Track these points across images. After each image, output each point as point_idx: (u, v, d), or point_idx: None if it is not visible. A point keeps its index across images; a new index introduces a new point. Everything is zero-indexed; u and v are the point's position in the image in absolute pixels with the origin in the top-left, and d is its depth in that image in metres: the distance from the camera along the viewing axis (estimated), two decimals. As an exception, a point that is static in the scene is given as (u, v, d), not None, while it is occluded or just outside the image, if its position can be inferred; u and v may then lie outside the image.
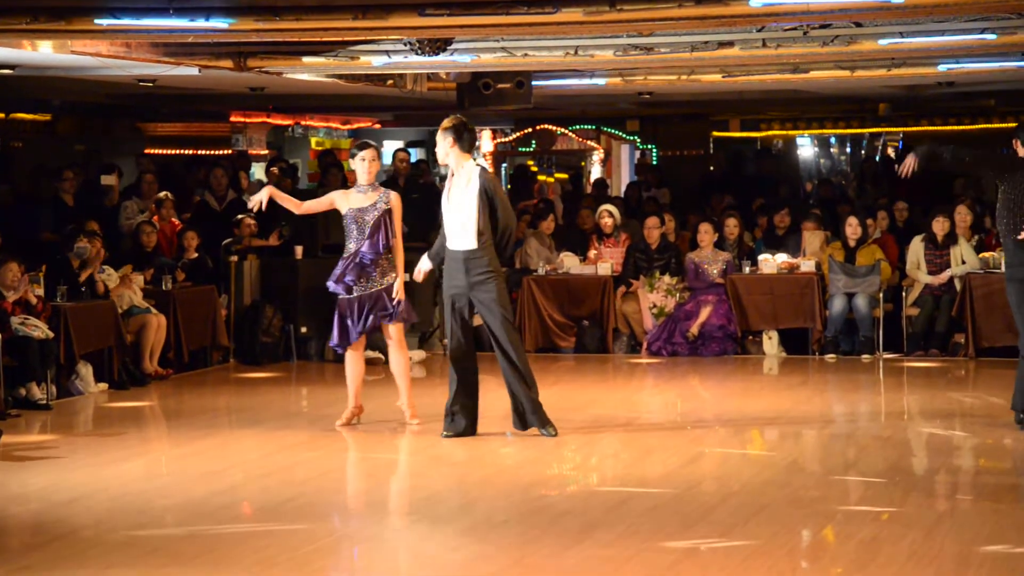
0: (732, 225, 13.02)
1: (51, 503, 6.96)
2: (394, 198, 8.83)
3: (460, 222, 8.25)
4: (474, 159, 8.40)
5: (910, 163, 8.34)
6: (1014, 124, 17.15)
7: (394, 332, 8.86)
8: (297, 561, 5.78)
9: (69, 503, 6.96)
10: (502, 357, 8.29)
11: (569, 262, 13.12)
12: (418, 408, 8.92)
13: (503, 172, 18.08)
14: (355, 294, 8.73)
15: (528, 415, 8.34)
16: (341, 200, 8.80)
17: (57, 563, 5.81)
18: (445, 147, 8.29)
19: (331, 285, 8.82)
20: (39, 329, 9.88)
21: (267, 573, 5.71)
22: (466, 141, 8.28)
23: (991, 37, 9.73)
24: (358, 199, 8.75)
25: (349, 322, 8.74)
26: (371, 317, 8.74)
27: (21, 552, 6.16)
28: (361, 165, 8.75)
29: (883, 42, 10.10)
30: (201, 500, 7.06)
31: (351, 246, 8.74)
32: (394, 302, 8.76)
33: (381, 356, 12.27)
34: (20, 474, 7.67)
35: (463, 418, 8.40)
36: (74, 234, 10.88)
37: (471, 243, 8.22)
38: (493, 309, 8.24)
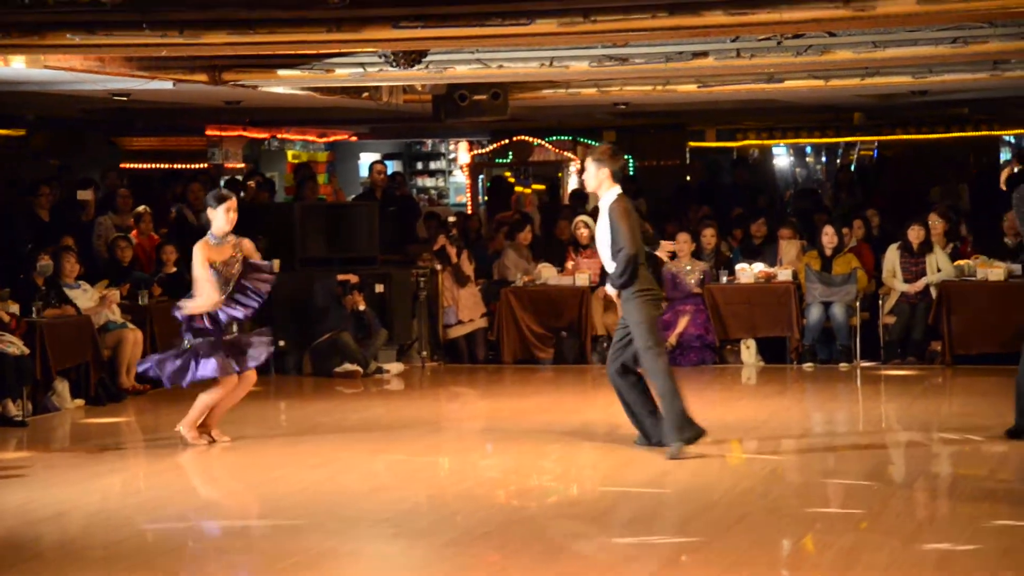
0: (709, 235, 13.05)
1: (28, 520, 6.90)
2: (247, 244, 8.63)
3: (603, 249, 8.29)
4: (615, 186, 8.21)
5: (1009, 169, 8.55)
6: (987, 132, 17.29)
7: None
8: (277, 576, 5.75)
9: (46, 520, 6.91)
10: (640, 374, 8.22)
11: (547, 273, 13.13)
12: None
13: (479, 183, 18.07)
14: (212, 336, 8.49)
15: (656, 430, 8.18)
16: (206, 253, 8.41)
17: (34, 581, 5.77)
18: (600, 177, 8.19)
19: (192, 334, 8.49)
20: (14, 345, 9.82)
21: (246, 589, 5.68)
22: (618, 171, 8.23)
23: (962, 46, 9.79)
24: (220, 251, 8.47)
25: (204, 361, 8.45)
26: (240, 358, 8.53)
27: (-2, 571, 6.11)
28: (226, 216, 8.45)
29: (856, 52, 10.16)
30: (179, 516, 7.02)
31: (215, 295, 8.40)
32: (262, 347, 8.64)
33: (359, 369, 12.27)
34: (-4, 492, 7.61)
35: (642, 427, 8.31)
36: (36, 252, 10.80)
37: (609, 266, 8.25)
38: (631, 329, 8.19)
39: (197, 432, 8.76)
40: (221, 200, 8.50)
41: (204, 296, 8.43)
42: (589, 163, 8.29)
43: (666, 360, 8.23)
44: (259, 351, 8.67)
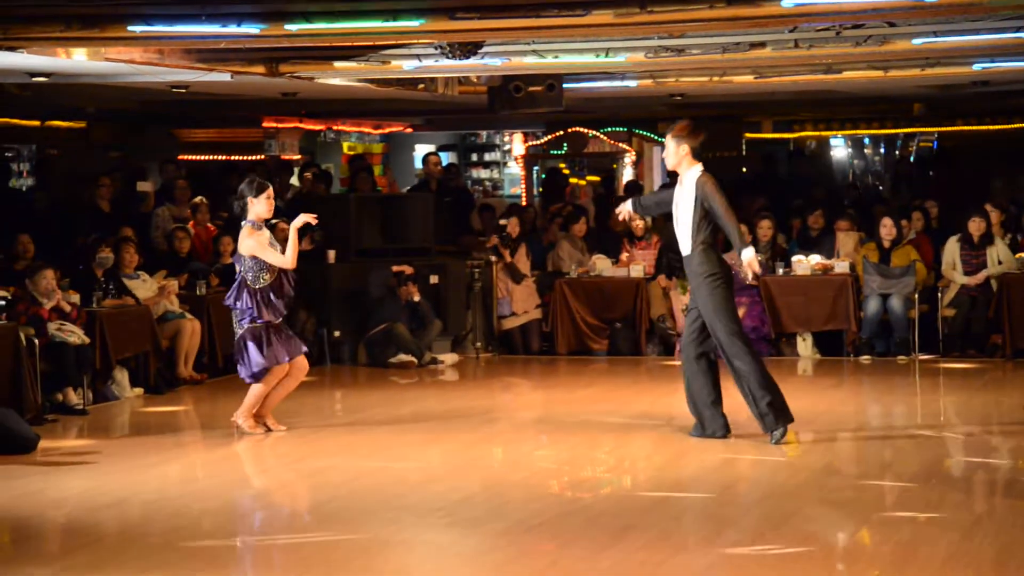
0: (765, 227, 12.96)
1: (88, 507, 7.01)
2: (283, 226, 8.90)
3: (682, 228, 8.27)
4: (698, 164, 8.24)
5: None
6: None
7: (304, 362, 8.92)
8: (332, 565, 5.79)
9: (106, 507, 7.00)
10: (726, 362, 8.18)
11: (601, 264, 13.11)
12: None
13: (534, 175, 18.06)
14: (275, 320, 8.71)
15: (763, 416, 8.16)
16: (258, 239, 8.68)
17: (95, 566, 5.85)
18: (679, 154, 8.20)
19: (255, 320, 8.66)
20: (75, 335, 9.96)
21: (304, 575, 5.73)
22: (698, 148, 8.22)
23: (1025, 35, 9.65)
24: (263, 238, 8.73)
25: (267, 348, 8.66)
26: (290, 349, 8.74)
27: (59, 556, 6.21)
28: (267, 203, 8.71)
29: (917, 42, 10.03)
30: (236, 504, 7.09)
31: (265, 277, 8.64)
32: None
33: (414, 359, 12.32)
34: (57, 479, 7.73)
35: (700, 417, 8.32)
36: (96, 244, 10.94)
37: (687, 248, 8.24)
38: (707, 314, 8.17)
39: (253, 421, 8.84)
40: (262, 188, 8.76)
41: (285, 258, 8.65)
42: (669, 140, 8.26)
43: (749, 344, 8.18)
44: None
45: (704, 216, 8.18)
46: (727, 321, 8.14)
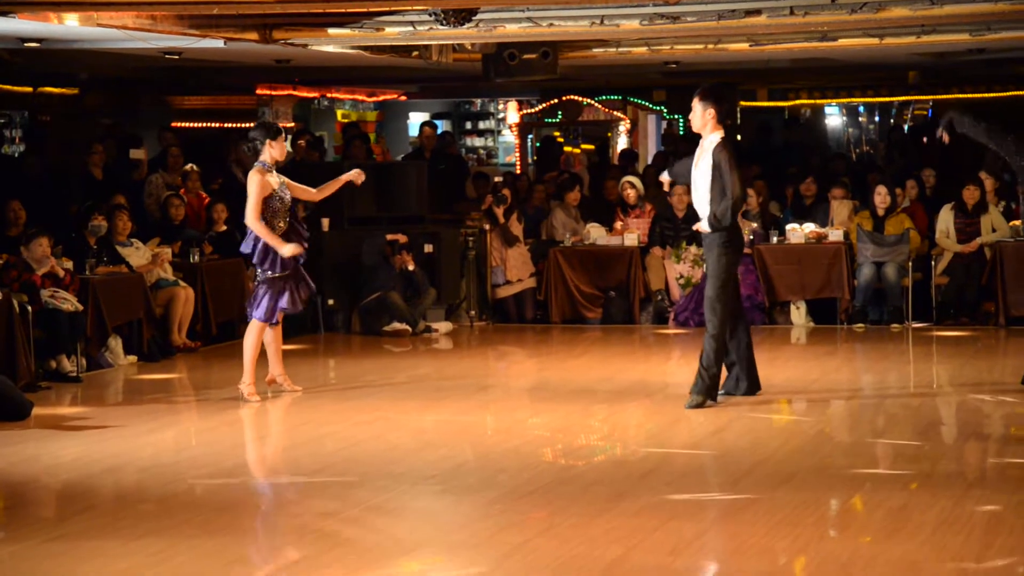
0: (751, 194, 12.99)
1: (83, 474, 7.02)
2: (283, 176, 8.89)
3: (699, 193, 8.29)
4: (720, 130, 8.24)
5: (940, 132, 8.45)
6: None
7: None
8: (326, 531, 5.81)
9: (100, 474, 7.02)
10: (706, 317, 8.35)
11: (595, 233, 13.09)
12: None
13: (528, 143, 18.03)
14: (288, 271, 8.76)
15: (699, 376, 8.29)
16: (265, 183, 8.68)
17: (89, 533, 5.87)
18: (706, 117, 8.19)
19: (270, 272, 8.74)
20: (68, 302, 9.95)
21: (297, 543, 5.74)
22: (724, 111, 8.20)
23: (1022, 3, 9.61)
24: (276, 180, 8.76)
25: (281, 298, 8.76)
26: (300, 293, 8.83)
27: (54, 522, 6.22)
28: (281, 147, 8.75)
29: (912, 8, 9.99)
30: (230, 471, 7.10)
31: (280, 225, 8.72)
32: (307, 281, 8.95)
33: (408, 328, 12.32)
34: (52, 445, 7.74)
35: (736, 377, 8.49)
36: (90, 211, 10.92)
37: (704, 212, 8.26)
38: (709, 271, 8.33)
39: (254, 388, 8.87)
40: (278, 132, 8.80)
41: (254, 222, 8.64)
42: (696, 103, 8.23)
43: (728, 317, 8.23)
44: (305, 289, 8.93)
45: (720, 182, 8.18)
46: (719, 287, 8.26)
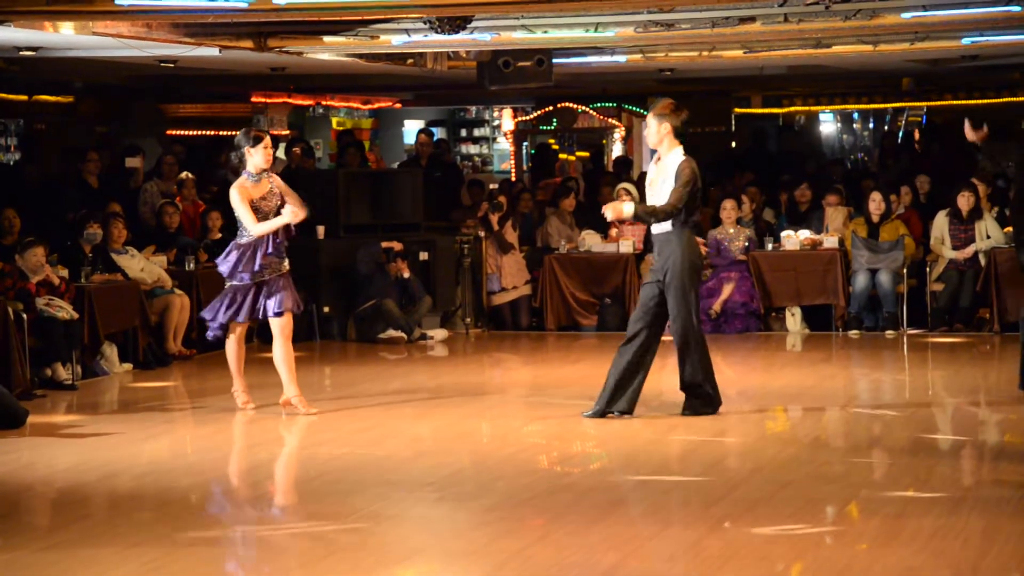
0: (745, 200, 13.02)
1: (78, 482, 7.00)
2: (278, 180, 8.65)
3: (657, 202, 8.14)
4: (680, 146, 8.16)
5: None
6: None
7: (286, 322, 8.61)
8: (321, 541, 5.81)
9: (95, 482, 7.01)
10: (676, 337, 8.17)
11: (590, 240, 13.11)
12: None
13: (524, 150, 18.04)
14: (253, 281, 8.53)
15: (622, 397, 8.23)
16: (244, 193, 8.48)
17: (84, 541, 5.85)
18: (661, 132, 8.11)
19: (233, 274, 8.50)
20: (64, 310, 9.94)
21: (292, 550, 5.74)
22: (680, 127, 8.14)
23: (1016, 9, 9.63)
24: (257, 188, 8.52)
25: (236, 307, 8.54)
26: (268, 302, 8.53)
27: (49, 531, 6.21)
28: (264, 153, 8.48)
29: (906, 15, 10.02)
30: (225, 479, 7.09)
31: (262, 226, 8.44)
32: (287, 293, 8.58)
33: (403, 335, 12.32)
34: (47, 453, 7.73)
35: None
36: (85, 219, 10.90)
37: (665, 227, 8.13)
38: (669, 294, 8.09)
39: (247, 396, 8.82)
40: (258, 139, 8.54)
41: (256, 227, 8.45)
42: (651, 118, 8.18)
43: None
44: (282, 298, 8.58)
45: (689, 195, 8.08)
46: (682, 298, 8.06)
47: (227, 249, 8.67)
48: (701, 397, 8.27)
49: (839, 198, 13.11)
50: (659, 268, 8.19)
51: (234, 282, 8.60)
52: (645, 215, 8.17)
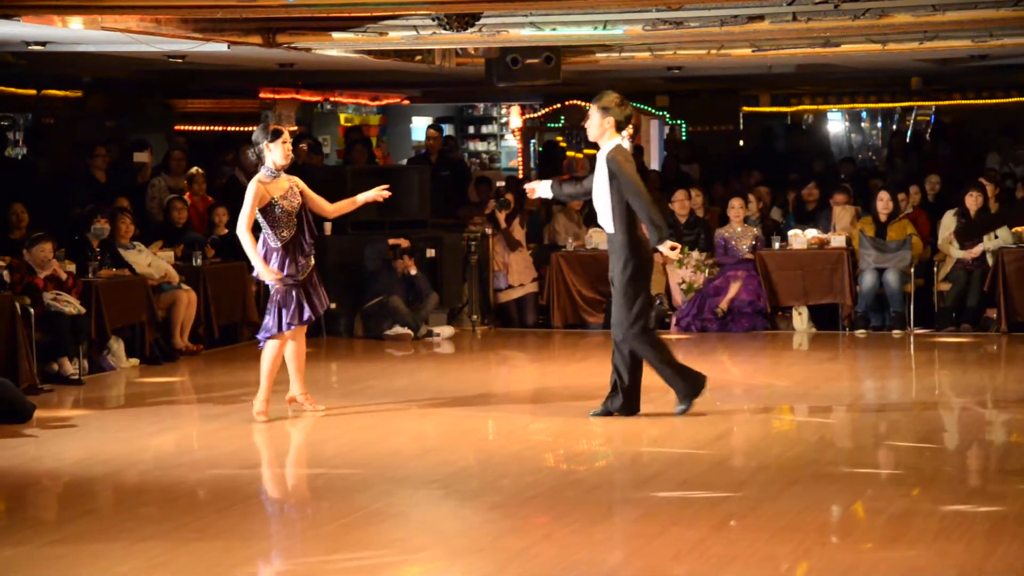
0: (752, 199, 13.01)
1: (84, 477, 7.02)
2: (298, 180, 8.40)
3: (598, 205, 8.01)
4: (621, 137, 7.99)
5: None
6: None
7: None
8: (327, 536, 5.81)
9: (102, 477, 7.02)
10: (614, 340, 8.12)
11: (598, 238, 13.08)
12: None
13: (531, 148, 18.03)
14: (299, 279, 8.31)
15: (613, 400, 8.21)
16: (260, 191, 8.19)
17: (90, 536, 5.87)
18: (604, 125, 7.87)
19: (273, 279, 8.25)
20: (71, 305, 9.95)
21: (297, 548, 5.75)
22: (621, 122, 7.90)
23: (1025, 9, 9.61)
24: (276, 186, 8.25)
25: (285, 311, 8.31)
26: (313, 300, 8.36)
27: (55, 525, 6.23)
28: (283, 149, 8.19)
29: (915, 14, 10.00)
30: (231, 475, 7.10)
31: (284, 234, 8.24)
32: (323, 290, 8.48)
33: (410, 332, 12.32)
34: (53, 448, 7.74)
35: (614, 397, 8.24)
36: (93, 214, 10.92)
37: (608, 227, 8.00)
38: (616, 293, 8.04)
39: (265, 408, 8.43)
40: (278, 135, 8.25)
41: (241, 229, 8.16)
42: (593, 111, 7.93)
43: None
44: (323, 294, 8.51)
45: (619, 193, 7.88)
46: (628, 298, 7.95)
47: (260, 253, 8.23)
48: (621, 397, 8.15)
49: (847, 197, 13.09)
50: (610, 270, 8.09)
51: (279, 285, 8.27)
52: (664, 231, 7.92)
